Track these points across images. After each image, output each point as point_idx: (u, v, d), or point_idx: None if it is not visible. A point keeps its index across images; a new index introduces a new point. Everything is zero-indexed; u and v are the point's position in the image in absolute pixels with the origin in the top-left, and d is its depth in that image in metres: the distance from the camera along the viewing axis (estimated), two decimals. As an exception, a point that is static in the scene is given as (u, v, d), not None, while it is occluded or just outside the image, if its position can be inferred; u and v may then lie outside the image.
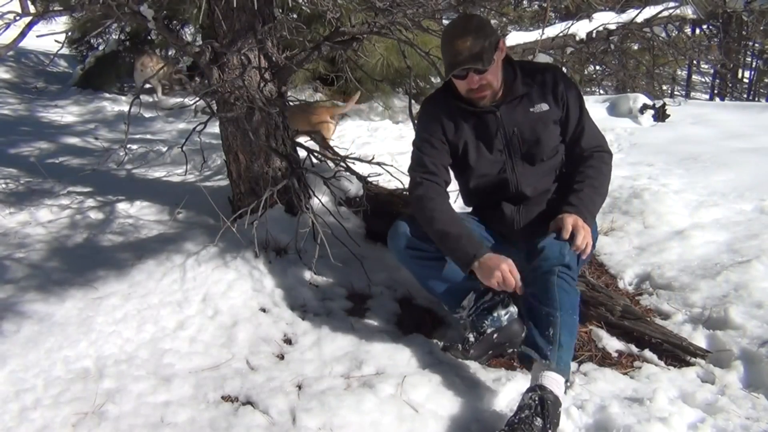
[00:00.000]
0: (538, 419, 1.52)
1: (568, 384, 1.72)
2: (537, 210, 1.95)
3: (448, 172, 2.01)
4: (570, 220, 1.75)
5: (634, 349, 1.97)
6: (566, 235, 1.73)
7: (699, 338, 1.96)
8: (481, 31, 1.74)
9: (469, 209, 2.16)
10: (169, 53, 6.56)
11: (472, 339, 1.93)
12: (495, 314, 1.93)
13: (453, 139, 1.93)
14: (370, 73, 4.73)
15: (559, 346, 1.61)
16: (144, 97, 5.82)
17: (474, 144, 1.92)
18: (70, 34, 6.27)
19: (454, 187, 2.05)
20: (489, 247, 1.88)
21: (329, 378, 1.81)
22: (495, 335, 1.92)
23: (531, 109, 1.88)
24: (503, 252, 1.82)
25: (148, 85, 6.00)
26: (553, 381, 1.59)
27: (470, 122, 1.91)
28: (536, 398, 1.55)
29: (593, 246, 1.83)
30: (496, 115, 1.88)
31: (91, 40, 6.62)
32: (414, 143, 2.01)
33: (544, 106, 1.88)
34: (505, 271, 1.72)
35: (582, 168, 1.90)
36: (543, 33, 5.48)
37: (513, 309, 1.95)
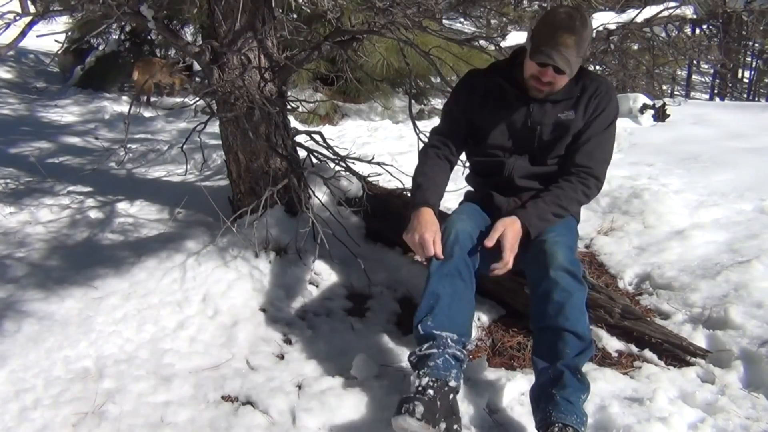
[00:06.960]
0: None
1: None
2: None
3: (460, 145, 1.97)
4: (501, 230, 1.67)
5: (634, 349, 1.97)
6: (488, 243, 1.66)
7: (699, 338, 1.96)
8: (586, 39, 1.69)
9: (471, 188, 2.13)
10: (169, 53, 6.57)
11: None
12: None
13: (471, 117, 1.92)
14: (371, 73, 4.73)
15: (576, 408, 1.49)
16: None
17: (492, 125, 1.90)
18: (70, 34, 6.27)
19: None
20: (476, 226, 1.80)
21: (329, 378, 1.81)
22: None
23: (560, 114, 1.82)
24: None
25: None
26: None
27: (499, 104, 1.88)
28: None
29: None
30: (528, 108, 1.84)
31: (91, 40, 6.64)
32: (443, 106, 2.02)
33: (571, 114, 1.82)
34: (426, 241, 1.67)
35: (560, 181, 1.82)
36: (543, 33, 5.47)
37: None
